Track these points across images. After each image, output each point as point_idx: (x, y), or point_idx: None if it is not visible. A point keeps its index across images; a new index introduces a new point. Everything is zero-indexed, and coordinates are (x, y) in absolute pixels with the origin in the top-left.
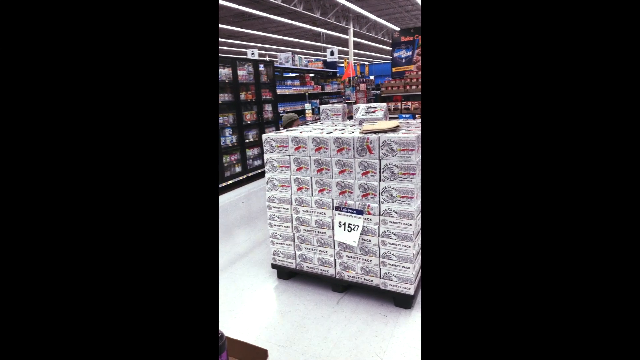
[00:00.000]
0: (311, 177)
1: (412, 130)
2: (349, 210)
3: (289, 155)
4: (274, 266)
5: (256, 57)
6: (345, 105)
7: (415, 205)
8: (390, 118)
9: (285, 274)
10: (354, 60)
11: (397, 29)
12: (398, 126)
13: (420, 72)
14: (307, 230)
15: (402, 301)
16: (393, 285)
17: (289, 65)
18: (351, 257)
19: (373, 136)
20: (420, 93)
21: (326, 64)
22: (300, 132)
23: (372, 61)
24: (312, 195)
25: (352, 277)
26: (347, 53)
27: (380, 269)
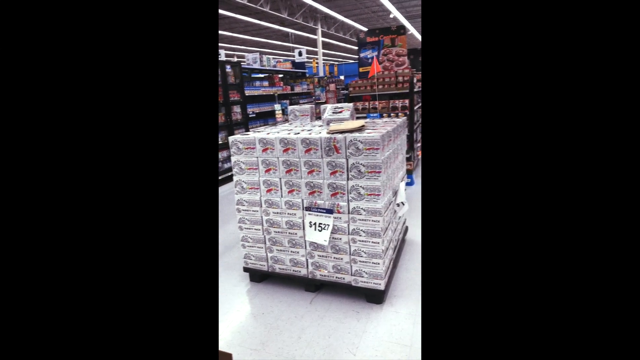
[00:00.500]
0: (280, 179)
1: (377, 129)
2: (319, 209)
3: (257, 157)
4: (245, 269)
5: (223, 58)
6: (314, 105)
7: (382, 203)
8: (359, 117)
9: (257, 276)
10: (323, 60)
11: (365, 29)
12: (364, 126)
13: (386, 72)
14: (278, 232)
15: (373, 297)
16: (364, 282)
17: (257, 66)
18: (322, 256)
19: (340, 136)
20: (387, 92)
21: (295, 64)
22: (268, 134)
23: (342, 61)
24: (281, 196)
25: (324, 276)
26: (316, 53)
27: (351, 266)
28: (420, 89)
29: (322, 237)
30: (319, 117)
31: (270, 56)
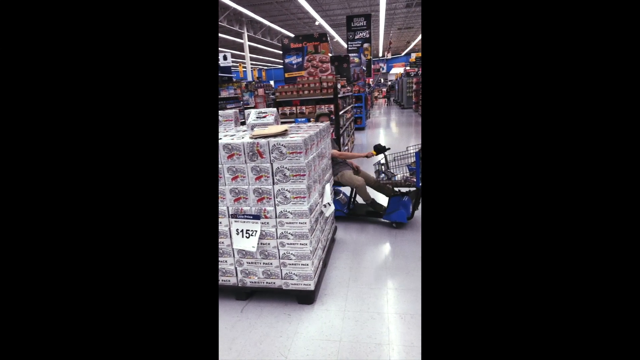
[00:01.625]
0: None
1: (300, 133)
2: (245, 216)
3: None
4: None
5: None
6: (237, 110)
7: (308, 205)
8: (285, 122)
9: None
10: (252, 65)
11: (292, 35)
12: (287, 130)
13: (310, 78)
14: None
15: (304, 298)
16: (295, 284)
17: None
18: (252, 262)
19: (263, 141)
20: (312, 98)
21: (220, 68)
22: None
23: (271, 66)
24: None
25: (255, 282)
26: (242, 57)
27: (281, 270)
28: (345, 94)
29: (250, 244)
30: (243, 122)
31: None
